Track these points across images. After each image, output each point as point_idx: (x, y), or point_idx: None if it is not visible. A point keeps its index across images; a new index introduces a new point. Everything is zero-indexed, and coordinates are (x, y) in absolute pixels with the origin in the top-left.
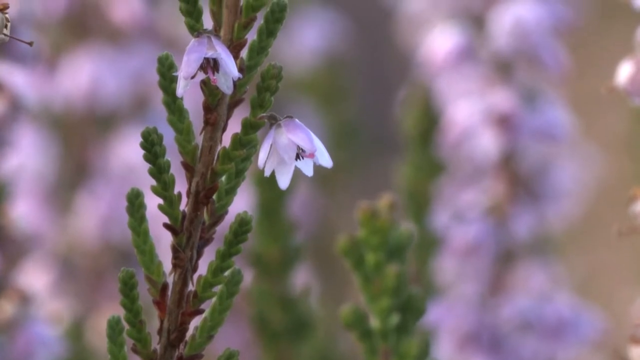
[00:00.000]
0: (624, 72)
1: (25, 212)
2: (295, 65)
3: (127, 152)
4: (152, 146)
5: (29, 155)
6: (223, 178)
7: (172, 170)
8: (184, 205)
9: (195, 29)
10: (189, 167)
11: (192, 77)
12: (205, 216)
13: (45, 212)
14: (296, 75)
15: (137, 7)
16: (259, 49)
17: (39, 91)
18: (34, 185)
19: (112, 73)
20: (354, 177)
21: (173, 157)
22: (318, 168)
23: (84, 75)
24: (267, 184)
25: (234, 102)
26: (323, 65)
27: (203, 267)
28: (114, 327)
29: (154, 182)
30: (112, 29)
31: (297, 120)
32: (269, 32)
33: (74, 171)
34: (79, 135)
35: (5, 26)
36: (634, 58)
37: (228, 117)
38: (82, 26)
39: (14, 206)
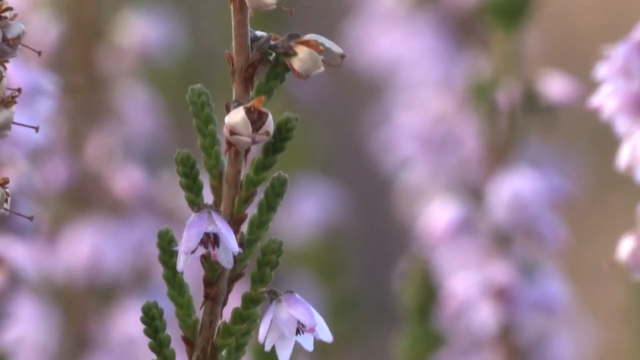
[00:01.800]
0: (625, 247)
1: None
2: (294, 237)
3: (127, 324)
4: (152, 320)
5: (29, 327)
6: (223, 352)
7: (172, 343)
8: None
9: (196, 204)
10: (189, 342)
11: (193, 252)
12: None
13: None
14: (295, 247)
15: (138, 179)
16: (259, 224)
17: (39, 263)
18: (34, 357)
19: (113, 245)
20: (353, 348)
21: (173, 330)
22: (317, 341)
23: (84, 247)
24: (268, 358)
25: (235, 277)
26: (322, 237)
27: None
28: None
29: (154, 356)
30: (113, 201)
31: (297, 295)
32: (270, 206)
33: (74, 343)
34: (79, 307)
35: (6, 200)
36: (635, 233)
37: (228, 291)
38: (83, 198)
39: None
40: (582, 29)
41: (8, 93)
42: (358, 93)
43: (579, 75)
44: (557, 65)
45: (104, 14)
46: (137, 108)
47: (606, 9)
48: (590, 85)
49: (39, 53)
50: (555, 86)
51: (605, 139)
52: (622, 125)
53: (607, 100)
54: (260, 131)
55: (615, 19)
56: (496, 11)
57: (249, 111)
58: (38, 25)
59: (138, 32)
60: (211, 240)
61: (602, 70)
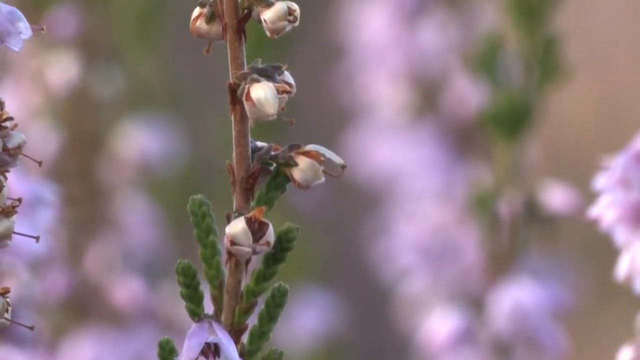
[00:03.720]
0: (624, 357)
1: None
2: (294, 347)
3: None
4: None
5: None
6: None
7: None
8: None
9: (197, 314)
10: None
11: None
12: None
13: None
14: (296, 357)
15: (137, 290)
16: (260, 334)
17: None
18: None
19: (113, 355)
20: None
21: None
22: None
23: (85, 357)
24: None
25: None
26: (322, 347)
27: None
28: None
29: None
30: (113, 311)
31: None
32: (270, 316)
33: None
34: None
35: (6, 310)
36: (634, 343)
37: None
38: (83, 308)
39: None
40: (577, 139)
41: (9, 203)
42: (358, 203)
43: (575, 185)
44: (555, 175)
45: (104, 124)
46: (136, 218)
47: (600, 120)
48: (588, 195)
49: (40, 163)
50: (556, 197)
51: (603, 249)
52: (621, 235)
53: (606, 210)
54: (261, 242)
55: (609, 129)
56: (497, 122)
57: (249, 222)
58: (37, 135)
59: (137, 142)
60: (212, 350)
61: (601, 181)
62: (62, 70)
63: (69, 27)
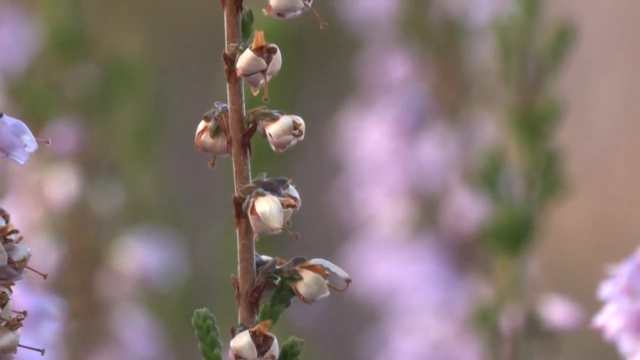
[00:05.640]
0: None
1: None
2: None
3: None
4: None
5: None
6: None
7: None
8: None
9: None
10: None
11: None
12: None
13: None
14: None
15: None
16: None
17: None
18: None
19: None
20: None
21: None
22: None
23: None
24: None
25: None
26: None
27: None
28: None
29: None
30: None
31: None
32: None
33: None
34: None
35: None
36: None
37: None
38: None
39: None
40: (575, 253)
41: (14, 316)
42: (356, 317)
43: (574, 299)
44: (555, 289)
45: (103, 239)
46: (136, 333)
47: (598, 234)
48: (588, 309)
49: (45, 276)
50: (557, 311)
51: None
52: (626, 344)
53: (611, 319)
54: (266, 355)
55: (607, 243)
56: (499, 237)
57: (254, 335)
58: (37, 250)
59: (137, 257)
60: None
61: (606, 290)
62: (62, 184)
63: (68, 141)
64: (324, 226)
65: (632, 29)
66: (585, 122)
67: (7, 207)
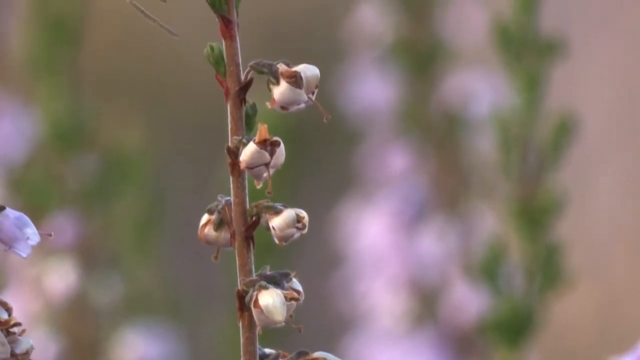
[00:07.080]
0: None
1: None
2: None
3: None
4: None
5: None
6: None
7: None
8: None
9: None
10: None
11: None
12: None
13: None
14: None
15: None
16: None
17: None
18: None
19: None
20: None
21: None
22: None
23: None
24: None
25: None
26: None
27: None
28: None
29: None
30: None
31: None
32: None
33: None
34: None
35: None
36: None
37: None
38: None
39: None
40: (576, 345)
41: None
42: None
43: None
44: None
45: (102, 331)
46: None
47: (599, 326)
48: None
49: None
50: None
51: None
52: None
53: None
54: None
55: (608, 335)
56: (499, 330)
57: None
58: (37, 342)
59: (136, 350)
60: None
61: None
62: (61, 277)
63: (67, 234)
64: (326, 318)
65: (632, 120)
66: (585, 214)
67: (7, 299)
